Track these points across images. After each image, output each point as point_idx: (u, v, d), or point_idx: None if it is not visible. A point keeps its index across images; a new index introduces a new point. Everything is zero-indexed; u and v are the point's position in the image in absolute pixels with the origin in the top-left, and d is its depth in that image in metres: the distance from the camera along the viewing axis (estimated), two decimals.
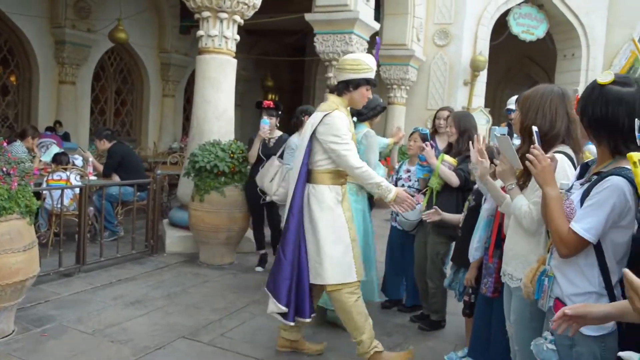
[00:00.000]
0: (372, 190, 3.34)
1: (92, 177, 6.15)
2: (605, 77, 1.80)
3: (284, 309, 3.32)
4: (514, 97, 5.46)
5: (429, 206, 4.01)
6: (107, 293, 4.57)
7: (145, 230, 5.90)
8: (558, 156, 2.22)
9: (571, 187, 1.94)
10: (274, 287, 3.36)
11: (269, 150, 5.32)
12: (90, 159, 6.55)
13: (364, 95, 3.36)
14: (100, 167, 6.63)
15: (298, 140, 5.00)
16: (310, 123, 3.33)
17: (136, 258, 5.63)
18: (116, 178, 6.42)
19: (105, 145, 6.64)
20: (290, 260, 3.30)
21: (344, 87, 3.34)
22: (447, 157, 3.94)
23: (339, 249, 3.30)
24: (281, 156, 4.99)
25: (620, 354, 1.19)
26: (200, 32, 5.86)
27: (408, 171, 4.54)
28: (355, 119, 4.25)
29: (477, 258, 3.10)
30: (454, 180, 3.86)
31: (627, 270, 1.04)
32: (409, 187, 4.35)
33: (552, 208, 1.87)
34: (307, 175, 3.33)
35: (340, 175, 3.39)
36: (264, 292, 4.77)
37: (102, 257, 5.27)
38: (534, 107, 2.34)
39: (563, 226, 1.80)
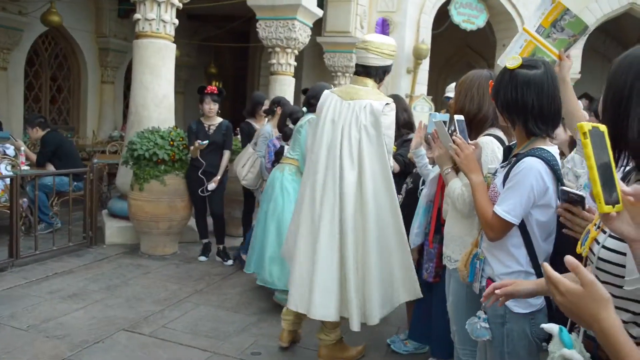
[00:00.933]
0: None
1: (25, 167, 5.88)
2: (513, 62, 1.85)
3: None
4: (452, 85, 5.57)
5: None
6: (42, 287, 4.39)
7: (83, 221, 5.70)
8: (487, 139, 2.28)
9: (496, 171, 1.99)
10: None
11: (209, 137, 5.27)
12: (23, 147, 6.24)
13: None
14: (34, 157, 6.34)
15: (270, 129, 5.06)
16: (368, 111, 2.99)
17: (74, 250, 5.44)
18: (51, 167, 6.16)
19: (38, 133, 6.35)
20: None
21: (384, 73, 3.16)
22: None
23: None
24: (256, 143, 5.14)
25: (543, 325, 1.24)
26: (137, 16, 5.66)
27: None
28: (305, 108, 4.22)
29: (417, 244, 3.13)
30: (395, 166, 3.90)
31: (545, 264, 1.07)
32: None
33: (477, 194, 1.93)
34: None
35: None
36: (207, 281, 4.77)
37: (37, 250, 5.06)
38: (464, 91, 2.42)
39: (488, 211, 1.86)
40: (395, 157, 3.90)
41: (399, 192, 3.74)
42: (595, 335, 1.00)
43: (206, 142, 5.20)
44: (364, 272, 3.01)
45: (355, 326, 3.00)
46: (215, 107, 5.35)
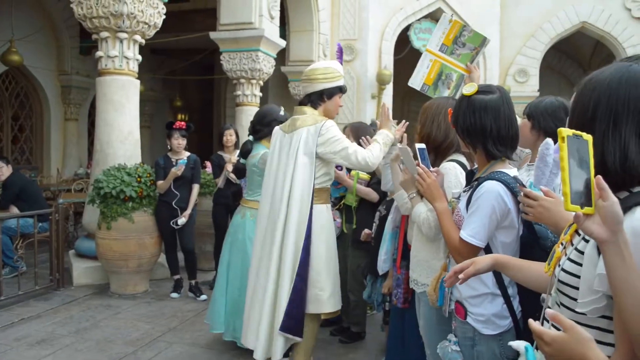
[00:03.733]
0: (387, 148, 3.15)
1: None
2: (469, 89, 1.93)
3: (300, 339, 3.08)
4: None
5: (349, 222, 4.06)
6: (8, 334, 4.25)
7: (49, 263, 5.56)
8: (450, 164, 2.34)
9: (459, 196, 2.04)
10: (297, 323, 3.02)
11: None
12: None
13: (337, 103, 3.23)
14: None
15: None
16: (303, 140, 3.06)
17: (41, 294, 5.29)
18: (14, 210, 6.02)
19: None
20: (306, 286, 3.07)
21: (318, 98, 3.17)
22: (361, 174, 3.97)
23: (335, 273, 3.20)
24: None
25: (511, 343, 1.26)
26: (100, 53, 5.65)
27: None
28: (251, 137, 4.08)
29: (385, 270, 3.15)
30: (374, 196, 3.90)
31: (530, 321, 1.10)
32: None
33: (443, 221, 1.98)
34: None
35: (329, 193, 3.31)
36: (180, 318, 4.69)
37: (2, 296, 4.91)
38: (430, 118, 2.48)
39: (454, 236, 1.90)
40: (372, 186, 3.91)
41: (371, 224, 3.77)
42: None
43: (184, 161, 5.17)
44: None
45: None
46: (183, 142, 5.37)
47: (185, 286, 5.49)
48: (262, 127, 3.96)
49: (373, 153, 3.08)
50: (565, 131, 1.09)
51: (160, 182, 5.29)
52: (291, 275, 3.03)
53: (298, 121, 3.16)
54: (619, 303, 1.04)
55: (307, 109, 3.18)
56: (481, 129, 1.89)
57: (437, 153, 2.49)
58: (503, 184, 1.83)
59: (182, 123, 5.42)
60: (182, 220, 5.26)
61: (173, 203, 5.28)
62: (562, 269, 1.23)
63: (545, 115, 2.39)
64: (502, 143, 1.91)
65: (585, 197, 1.07)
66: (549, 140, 1.85)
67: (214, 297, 4.01)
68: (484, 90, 1.92)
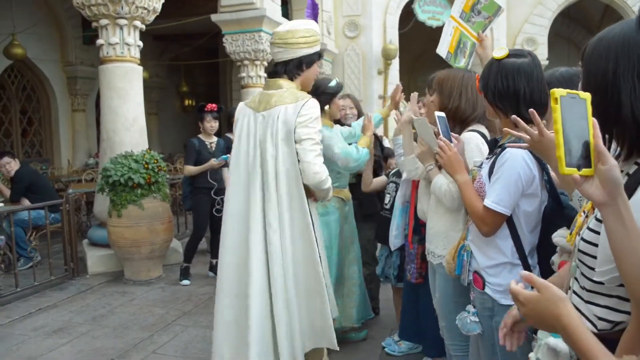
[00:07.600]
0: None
1: None
2: (500, 52, 1.85)
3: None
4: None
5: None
6: (26, 325, 4.28)
7: (63, 253, 5.59)
8: (470, 134, 2.26)
9: (482, 164, 1.97)
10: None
11: (213, 155, 5.32)
12: None
13: (316, 72, 2.72)
14: (7, 192, 6.22)
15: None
16: (281, 122, 2.49)
17: (56, 284, 5.32)
18: (25, 202, 6.03)
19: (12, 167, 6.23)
20: None
21: (297, 68, 2.59)
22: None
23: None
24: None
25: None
26: (100, 41, 5.60)
27: None
28: None
29: (397, 246, 3.11)
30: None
31: (511, 282, 1.10)
32: None
33: (465, 193, 1.92)
34: None
35: None
36: (195, 302, 4.70)
37: (18, 287, 4.94)
38: (457, 90, 2.35)
39: (478, 206, 1.83)
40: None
41: (371, 196, 3.72)
42: (560, 336, 1.02)
43: (226, 157, 5.06)
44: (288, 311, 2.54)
45: None
46: (216, 124, 5.38)
47: (193, 271, 5.54)
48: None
49: (322, 179, 2.51)
50: (558, 92, 1.04)
51: (191, 168, 5.25)
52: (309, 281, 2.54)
53: (274, 97, 2.56)
54: (620, 267, 1.01)
55: (284, 82, 2.59)
56: (514, 93, 1.82)
57: (463, 126, 2.39)
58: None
59: (214, 105, 5.42)
60: None
61: (212, 193, 5.32)
62: (582, 238, 1.18)
63: (563, 83, 2.30)
64: (535, 107, 1.83)
65: (585, 159, 1.03)
66: None
67: None
68: (515, 53, 1.85)
